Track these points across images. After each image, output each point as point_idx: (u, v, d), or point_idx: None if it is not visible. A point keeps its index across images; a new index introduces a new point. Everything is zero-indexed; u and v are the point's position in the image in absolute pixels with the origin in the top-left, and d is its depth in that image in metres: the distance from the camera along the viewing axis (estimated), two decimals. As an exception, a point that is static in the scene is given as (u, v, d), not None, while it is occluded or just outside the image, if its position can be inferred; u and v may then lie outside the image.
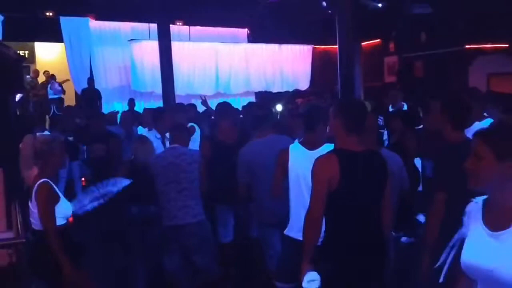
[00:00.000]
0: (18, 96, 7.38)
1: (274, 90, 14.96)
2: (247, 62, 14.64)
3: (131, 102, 11.64)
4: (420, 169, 5.86)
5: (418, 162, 6.29)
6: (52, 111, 12.05)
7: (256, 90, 14.86)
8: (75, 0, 11.58)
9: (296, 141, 3.89)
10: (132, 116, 7.47)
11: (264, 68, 14.95)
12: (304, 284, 2.84)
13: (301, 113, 4.00)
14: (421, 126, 6.65)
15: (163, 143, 5.83)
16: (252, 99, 13.93)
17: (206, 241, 4.43)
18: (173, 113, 6.03)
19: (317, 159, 2.99)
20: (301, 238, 3.21)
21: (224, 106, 6.71)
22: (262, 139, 4.30)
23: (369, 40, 14.48)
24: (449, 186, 3.14)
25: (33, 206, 3.52)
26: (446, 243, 2.16)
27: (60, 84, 13.10)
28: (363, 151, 3.01)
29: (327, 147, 3.45)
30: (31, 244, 3.50)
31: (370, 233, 3.00)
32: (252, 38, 15.25)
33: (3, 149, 4.06)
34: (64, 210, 3.63)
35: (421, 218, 6.97)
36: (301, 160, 3.57)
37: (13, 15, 11.18)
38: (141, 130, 6.81)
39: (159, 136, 5.93)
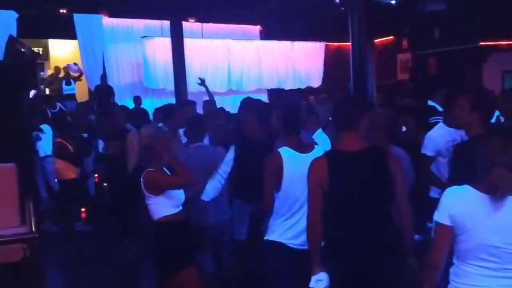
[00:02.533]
0: (32, 93, 7.44)
1: (287, 88, 14.93)
2: (259, 59, 14.60)
3: (137, 100, 11.69)
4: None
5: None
6: (58, 107, 12.03)
7: (268, 88, 14.83)
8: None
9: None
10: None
11: (277, 65, 14.90)
12: (311, 284, 2.87)
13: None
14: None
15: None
16: (264, 96, 13.91)
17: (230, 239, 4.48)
18: (183, 109, 6.02)
19: (311, 162, 3.00)
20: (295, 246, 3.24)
21: (251, 102, 6.74)
22: None
23: (382, 37, 14.40)
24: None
25: (146, 198, 3.62)
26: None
27: (76, 64, 13.21)
28: (360, 150, 2.98)
29: (319, 150, 3.45)
30: (154, 235, 3.67)
31: (367, 234, 2.96)
32: (265, 35, 15.22)
33: (17, 145, 4.09)
34: (175, 199, 3.70)
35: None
36: (296, 165, 3.48)
37: (27, 12, 11.26)
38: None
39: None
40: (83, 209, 8.62)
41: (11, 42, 4.63)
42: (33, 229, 3.02)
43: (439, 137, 4.27)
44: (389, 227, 3.01)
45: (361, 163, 2.96)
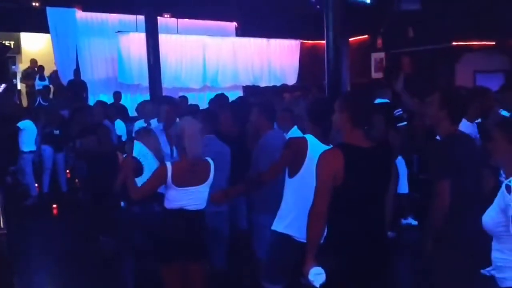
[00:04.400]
0: (2, 87, 7.32)
1: (262, 84, 14.95)
2: (235, 56, 14.60)
3: (117, 95, 11.54)
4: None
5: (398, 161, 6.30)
6: (38, 101, 11.94)
7: (244, 84, 14.83)
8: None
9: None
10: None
11: (252, 62, 14.93)
12: (310, 276, 2.85)
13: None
14: (404, 124, 6.67)
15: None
16: (240, 93, 13.90)
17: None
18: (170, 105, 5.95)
19: (321, 154, 2.99)
20: (303, 240, 3.22)
21: (222, 98, 6.76)
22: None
23: (356, 36, 14.49)
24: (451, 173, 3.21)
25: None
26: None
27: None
28: (370, 146, 3.03)
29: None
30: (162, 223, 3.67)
31: (374, 229, 3.04)
32: (240, 32, 15.21)
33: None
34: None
35: (411, 220, 7.03)
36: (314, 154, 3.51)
37: (-1, 4, 11.05)
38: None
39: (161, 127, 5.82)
40: (54, 205, 8.54)
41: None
42: (1, 225, 2.95)
43: None
44: (384, 223, 3.12)
45: (374, 159, 3.02)
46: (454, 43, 12.30)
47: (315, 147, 3.52)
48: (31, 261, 6.05)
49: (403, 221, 7.07)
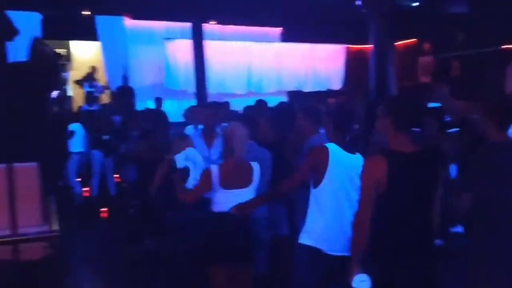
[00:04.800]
0: (55, 93, 7.61)
1: (306, 90, 14.92)
2: (279, 61, 14.64)
3: (158, 101, 11.79)
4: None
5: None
6: (87, 107, 12.28)
7: (288, 90, 14.84)
8: (112, 0, 11.75)
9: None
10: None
11: (297, 67, 14.93)
12: (354, 284, 2.84)
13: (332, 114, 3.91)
14: (455, 129, 6.50)
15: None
16: (284, 98, 13.91)
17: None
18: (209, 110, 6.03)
19: (365, 161, 2.97)
20: (332, 252, 3.19)
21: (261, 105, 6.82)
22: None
23: (403, 40, 14.29)
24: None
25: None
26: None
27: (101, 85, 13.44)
28: (415, 151, 2.98)
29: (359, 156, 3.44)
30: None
31: (420, 237, 2.98)
32: (285, 38, 15.23)
33: (39, 145, 4.14)
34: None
35: (460, 228, 6.83)
36: (343, 163, 3.49)
37: (50, 13, 11.41)
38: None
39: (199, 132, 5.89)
40: (103, 209, 8.77)
41: (35, 43, 4.71)
42: (55, 228, 3.06)
43: None
44: (431, 229, 3.05)
45: (419, 164, 2.97)
46: (504, 47, 11.96)
47: (338, 155, 3.49)
48: (79, 263, 6.21)
49: (452, 229, 6.89)
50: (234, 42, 14.17)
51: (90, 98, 12.64)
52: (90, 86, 13.26)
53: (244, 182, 3.74)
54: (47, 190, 3.97)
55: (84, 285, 5.64)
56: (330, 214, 3.49)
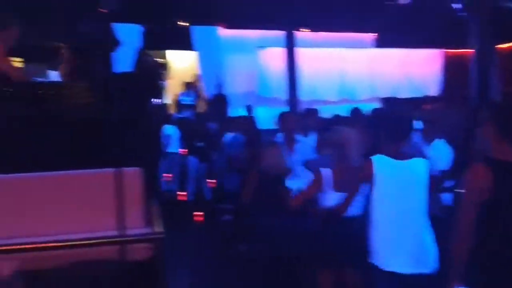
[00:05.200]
0: (157, 101, 7.99)
1: (401, 96, 14.54)
2: (373, 67, 14.40)
3: (249, 108, 11.94)
4: None
5: None
6: (183, 114, 12.74)
7: (382, 96, 14.54)
8: (207, 10, 12.10)
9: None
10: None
11: (391, 74, 14.60)
12: None
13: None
14: None
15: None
16: (378, 105, 13.64)
17: None
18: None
19: (468, 170, 2.86)
20: (392, 269, 3.09)
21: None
22: None
23: (506, 42, 13.54)
24: None
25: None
26: None
27: (195, 91, 13.89)
28: None
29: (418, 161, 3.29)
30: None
31: None
32: (379, 43, 14.95)
33: (142, 151, 4.34)
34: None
35: None
36: (390, 173, 3.36)
37: (150, 25, 11.96)
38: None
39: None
40: (199, 213, 9.03)
41: (140, 54, 4.96)
42: (159, 229, 3.19)
43: None
44: None
45: None
46: None
47: (384, 165, 3.35)
48: (177, 265, 6.43)
49: None
50: (326, 48, 14.11)
51: (186, 106, 13.13)
52: (186, 95, 13.75)
53: (355, 186, 3.71)
54: (149, 193, 4.15)
55: (181, 286, 5.82)
56: (382, 226, 3.39)
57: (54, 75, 5.83)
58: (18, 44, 4.83)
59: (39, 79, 5.31)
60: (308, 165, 4.75)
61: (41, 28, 7.53)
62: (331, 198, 3.65)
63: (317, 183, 3.73)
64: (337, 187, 3.61)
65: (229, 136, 8.17)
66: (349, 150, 3.65)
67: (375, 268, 3.44)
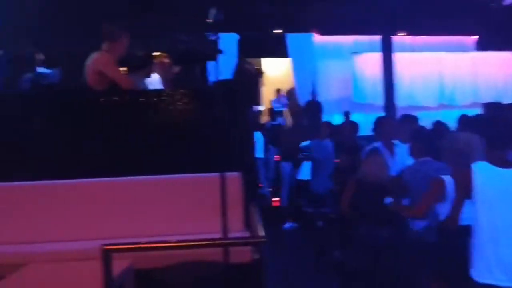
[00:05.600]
0: (257, 108, 8.18)
1: (506, 101, 13.77)
2: (475, 71, 13.77)
3: (347, 114, 11.85)
4: None
5: None
6: (276, 120, 12.88)
7: (485, 101, 13.84)
8: (301, 17, 12.16)
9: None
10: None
11: (495, 77, 13.88)
12: None
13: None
14: None
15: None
16: (480, 110, 13.01)
17: None
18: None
19: None
20: (488, 281, 2.94)
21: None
22: None
23: None
24: None
25: None
26: None
27: (286, 97, 14.01)
28: None
29: None
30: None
31: None
32: (481, 46, 14.27)
33: (241, 156, 4.43)
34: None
35: None
36: (494, 181, 3.19)
37: (246, 34, 12.20)
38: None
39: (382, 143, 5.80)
40: (292, 218, 9.06)
41: (240, 62, 5.08)
42: (259, 233, 3.24)
43: None
44: None
45: None
46: None
47: (486, 173, 3.17)
48: (271, 270, 6.48)
49: None
50: (425, 53, 13.70)
51: (279, 112, 13.27)
52: (280, 101, 13.89)
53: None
54: (250, 198, 4.24)
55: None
56: (482, 236, 3.20)
57: (156, 83, 6.11)
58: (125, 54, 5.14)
59: (144, 88, 5.59)
60: (409, 172, 4.59)
61: (144, 39, 7.90)
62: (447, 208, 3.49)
63: (437, 190, 3.55)
64: (467, 195, 3.43)
65: (325, 142, 8.14)
66: (472, 157, 3.47)
67: (470, 280, 3.29)
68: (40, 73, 6.73)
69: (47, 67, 7.17)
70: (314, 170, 8.16)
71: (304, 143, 8.67)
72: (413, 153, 4.60)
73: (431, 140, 4.67)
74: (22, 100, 4.64)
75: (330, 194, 6.92)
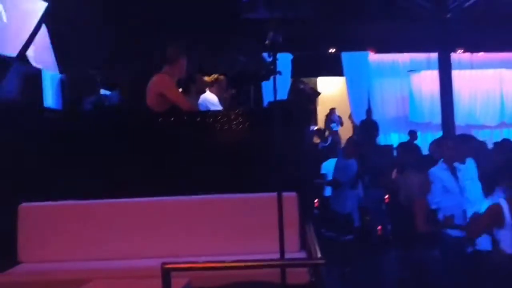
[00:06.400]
0: (314, 127, 8.16)
1: None
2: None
3: (413, 134, 11.64)
4: None
5: None
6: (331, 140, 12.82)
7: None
8: (356, 36, 12.12)
9: None
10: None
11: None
12: None
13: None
14: None
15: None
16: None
17: None
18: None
19: None
20: None
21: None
22: None
23: None
24: None
25: None
26: None
27: (339, 116, 13.88)
28: None
29: None
30: None
31: None
32: (544, 62, 13.75)
33: (299, 176, 4.43)
34: None
35: None
36: None
37: (300, 53, 12.25)
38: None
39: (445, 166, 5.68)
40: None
41: (295, 82, 5.11)
42: (317, 254, 3.22)
43: None
44: None
45: None
46: None
47: None
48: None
49: None
50: (484, 70, 13.35)
51: (334, 132, 13.17)
52: (332, 121, 13.80)
53: None
54: (306, 218, 4.22)
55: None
56: None
57: (216, 104, 6.22)
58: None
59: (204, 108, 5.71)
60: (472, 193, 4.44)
61: (199, 60, 8.05)
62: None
63: (490, 215, 3.41)
64: None
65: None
66: None
67: None
68: (103, 95, 6.98)
69: (108, 89, 7.44)
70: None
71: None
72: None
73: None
74: (86, 121, 4.83)
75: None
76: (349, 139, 8.92)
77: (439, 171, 5.31)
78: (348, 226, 8.45)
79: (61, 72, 6.90)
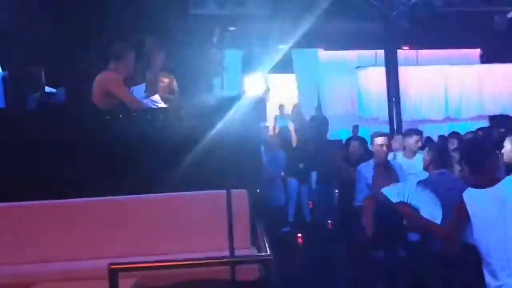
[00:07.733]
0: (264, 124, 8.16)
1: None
2: (480, 84, 13.80)
3: (355, 129, 11.84)
4: None
5: None
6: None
7: (491, 114, 13.83)
8: (307, 34, 12.21)
9: None
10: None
11: (500, 90, 13.88)
12: None
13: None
14: None
15: None
16: (485, 123, 12.99)
17: None
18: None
19: None
20: None
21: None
22: None
23: None
24: None
25: None
26: None
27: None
28: None
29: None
30: None
31: None
32: (486, 59, 14.29)
33: (247, 173, 4.42)
34: None
35: None
36: (483, 207, 3.15)
37: (250, 50, 12.26)
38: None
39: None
40: (299, 234, 9.02)
41: (245, 78, 5.10)
42: (266, 250, 3.23)
43: None
44: None
45: None
46: None
47: (475, 201, 3.13)
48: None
49: None
50: (429, 66, 13.73)
51: (284, 128, 13.23)
52: (285, 117, 13.86)
53: None
54: (256, 215, 4.22)
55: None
56: (498, 273, 3.12)
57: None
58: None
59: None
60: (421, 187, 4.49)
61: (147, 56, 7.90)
62: None
63: (460, 216, 3.38)
64: None
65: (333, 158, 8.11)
66: (499, 175, 3.34)
67: None
68: (47, 93, 6.76)
69: (53, 87, 7.20)
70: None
71: None
72: (428, 166, 4.49)
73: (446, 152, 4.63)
74: (30, 119, 4.67)
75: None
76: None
77: (365, 168, 5.37)
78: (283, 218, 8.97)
79: (3, 69, 6.65)
